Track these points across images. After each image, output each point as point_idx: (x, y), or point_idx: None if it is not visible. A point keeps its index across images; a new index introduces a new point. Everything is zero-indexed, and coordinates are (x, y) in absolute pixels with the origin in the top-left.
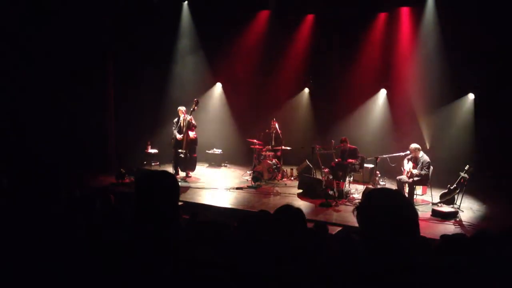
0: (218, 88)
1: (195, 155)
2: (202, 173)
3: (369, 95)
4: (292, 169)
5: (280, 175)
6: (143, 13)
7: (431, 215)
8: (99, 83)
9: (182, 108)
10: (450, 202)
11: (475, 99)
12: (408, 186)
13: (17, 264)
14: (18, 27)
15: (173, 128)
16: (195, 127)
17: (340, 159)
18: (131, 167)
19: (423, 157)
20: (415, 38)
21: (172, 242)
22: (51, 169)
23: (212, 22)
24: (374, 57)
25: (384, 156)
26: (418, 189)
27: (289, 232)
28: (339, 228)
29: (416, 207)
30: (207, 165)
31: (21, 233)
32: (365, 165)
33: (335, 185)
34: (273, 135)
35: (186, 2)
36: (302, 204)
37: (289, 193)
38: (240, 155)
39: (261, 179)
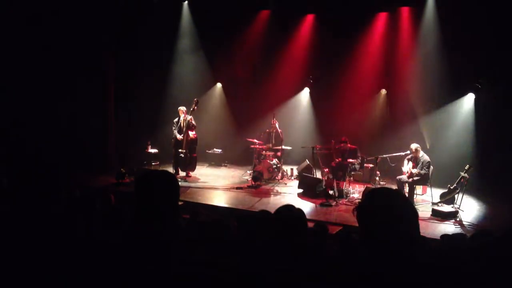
0: (218, 88)
1: (195, 155)
2: (202, 173)
3: (369, 95)
4: (292, 169)
5: (280, 174)
6: (143, 13)
7: (431, 215)
8: (99, 83)
9: (182, 108)
10: (450, 202)
11: (475, 99)
12: (408, 186)
13: (17, 264)
14: (18, 27)
15: (173, 128)
16: (195, 127)
17: (340, 159)
18: (131, 167)
19: (423, 156)
20: (415, 38)
21: (172, 242)
22: (51, 169)
23: (212, 22)
24: (374, 57)
25: (384, 156)
26: (418, 189)
27: (289, 232)
28: (339, 228)
29: (416, 206)
30: (207, 165)
31: (21, 233)
32: (365, 165)
33: (335, 185)
34: (273, 134)
35: (186, 2)
36: (302, 204)
37: (289, 193)
38: (240, 155)
39: (261, 179)
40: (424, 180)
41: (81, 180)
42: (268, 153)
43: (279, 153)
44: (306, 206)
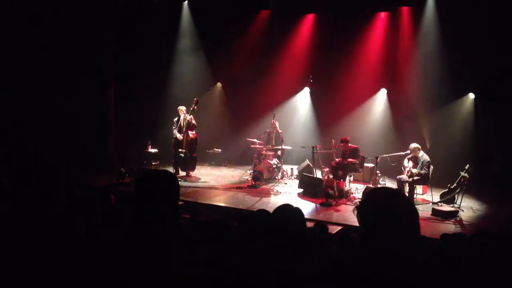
0: (218, 87)
1: (195, 154)
2: (202, 173)
3: (369, 95)
4: (292, 169)
5: (280, 174)
6: (143, 13)
7: (431, 215)
8: (99, 83)
9: (182, 108)
10: (450, 201)
11: (475, 98)
12: (408, 186)
13: (17, 264)
14: (18, 27)
15: (173, 127)
16: (195, 126)
17: (341, 159)
18: (131, 166)
19: (423, 156)
20: (415, 38)
21: (172, 242)
22: (51, 169)
23: (212, 22)
24: (374, 57)
25: (384, 155)
26: (418, 189)
27: (288, 232)
28: (339, 228)
29: (416, 206)
30: (207, 164)
31: (21, 233)
32: (365, 164)
33: (335, 185)
34: (273, 134)
35: (186, 1)
36: (302, 204)
37: (289, 193)
38: (240, 155)
39: (261, 179)
40: (424, 179)
41: (81, 180)
42: (268, 153)
43: (279, 153)
44: (306, 206)
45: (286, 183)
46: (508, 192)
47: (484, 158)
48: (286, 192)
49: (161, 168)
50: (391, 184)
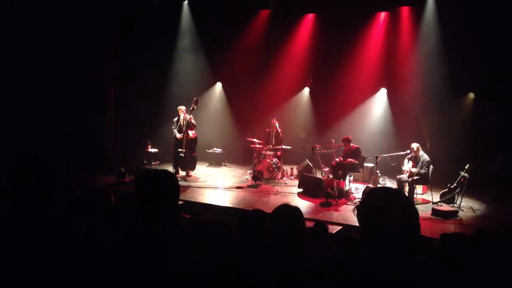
0: (218, 87)
1: (195, 154)
2: (202, 173)
3: (369, 94)
4: (292, 168)
5: (280, 174)
6: (143, 13)
7: (431, 214)
8: (99, 83)
9: (182, 108)
10: (450, 201)
11: (475, 98)
12: (408, 185)
13: (17, 265)
14: (18, 26)
15: (173, 127)
16: (195, 126)
17: (341, 158)
18: (131, 166)
19: (423, 156)
20: (415, 38)
21: (172, 242)
22: (51, 169)
23: (212, 21)
24: (374, 56)
25: (384, 155)
26: (418, 188)
27: (287, 232)
28: (339, 228)
29: (416, 206)
30: (207, 164)
31: (21, 233)
32: (365, 164)
33: (335, 184)
34: (273, 133)
35: (186, 1)
36: (302, 204)
37: (289, 192)
38: (240, 154)
39: (261, 178)
40: (424, 179)
41: (81, 180)
42: (268, 152)
43: (279, 153)
44: (306, 206)
45: (286, 183)
46: (508, 192)
47: (484, 158)
48: (286, 192)
49: (161, 168)
50: (391, 184)
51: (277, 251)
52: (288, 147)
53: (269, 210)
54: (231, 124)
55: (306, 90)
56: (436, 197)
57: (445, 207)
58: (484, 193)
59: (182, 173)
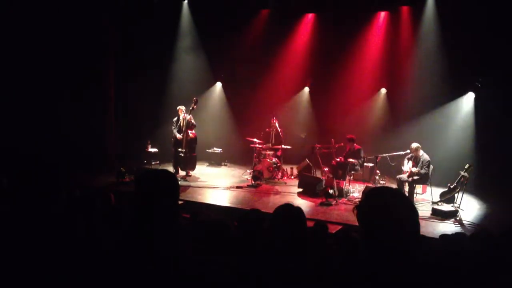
0: (218, 87)
1: (195, 154)
2: (202, 172)
3: (369, 94)
4: (292, 168)
5: (280, 174)
6: (143, 12)
7: (431, 214)
8: (99, 83)
9: (181, 107)
10: (450, 201)
11: (475, 98)
12: (408, 185)
13: (17, 265)
14: (18, 27)
15: (173, 127)
16: (195, 126)
17: (342, 158)
18: (131, 166)
19: (423, 156)
20: (415, 37)
21: (172, 241)
22: (51, 169)
23: (212, 21)
24: (374, 56)
25: (384, 155)
26: (418, 188)
27: (289, 232)
28: (339, 227)
29: (416, 206)
30: (207, 164)
31: (21, 233)
32: (365, 164)
33: (335, 184)
34: (273, 133)
35: (186, 1)
36: (302, 203)
37: (289, 192)
38: (240, 154)
39: (261, 178)
40: (424, 179)
41: (81, 180)
42: (268, 152)
43: (279, 152)
44: (306, 205)
45: (286, 183)
46: (508, 192)
47: (484, 158)
48: (286, 192)
49: (161, 168)
50: (390, 183)
51: (278, 251)
52: (288, 147)
53: (269, 210)
54: (231, 124)
55: (306, 90)
56: (436, 197)
57: (445, 206)
58: (484, 193)
59: (182, 173)
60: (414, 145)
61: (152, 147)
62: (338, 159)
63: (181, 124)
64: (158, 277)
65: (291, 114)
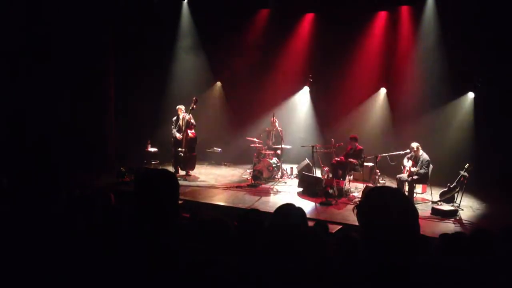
0: (217, 86)
1: (195, 153)
2: (202, 172)
3: (369, 94)
4: (292, 168)
5: (280, 173)
6: (143, 12)
7: (431, 214)
8: (99, 83)
9: (181, 107)
10: (450, 200)
11: (474, 98)
12: (408, 185)
13: (17, 264)
14: (18, 27)
15: (172, 127)
16: (195, 126)
17: (342, 158)
18: (131, 166)
19: (423, 155)
20: (415, 37)
21: (172, 241)
22: (51, 169)
23: (211, 21)
24: (374, 56)
25: (384, 154)
26: (418, 188)
27: (290, 231)
28: (339, 227)
29: (416, 205)
30: (207, 163)
31: (21, 233)
32: (365, 163)
33: (335, 184)
34: (273, 133)
35: (185, 1)
36: (302, 203)
37: (289, 192)
38: (240, 154)
39: (261, 178)
40: (423, 179)
41: (81, 180)
42: (268, 152)
43: (279, 152)
44: (306, 205)
45: (285, 182)
46: (508, 192)
47: (483, 158)
48: (286, 191)
49: (160, 167)
50: (390, 183)
51: (278, 251)
52: (288, 147)
53: (269, 209)
54: (230, 123)
55: (306, 90)
56: (436, 196)
57: (444, 206)
58: (484, 192)
59: (182, 172)
60: (414, 144)
61: (152, 147)
62: (338, 159)
63: (181, 124)
64: (158, 277)
65: (291, 114)
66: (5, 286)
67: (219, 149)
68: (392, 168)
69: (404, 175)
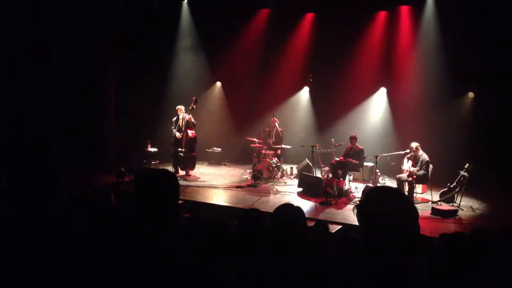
0: (217, 86)
1: (195, 153)
2: (201, 172)
3: (369, 94)
4: (292, 168)
5: (280, 173)
6: (143, 12)
7: (431, 214)
8: (99, 83)
9: (181, 107)
10: (450, 200)
11: (474, 97)
12: (408, 185)
13: (17, 265)
14: (18, 27)
15: (172, 127)
16: (194, 125)
17: (342, 158)
18: (131, 166)
19: (423, 155)
20: (415, 37)
21: (172, 241)
22: (51, 169)
23: (211, 21)
24: (374, 56)
25: (384, 154)
26: (418, 188)
27: (289, 231)
28: (339, 227)
29: (416, 205)
30: (207, 163)
31: (21, 233)
32: (365, 163)
33: (335, 184)
34: (273, 133)
35: (185, 1)
36: (302, 203)
37: (289, 192)
38: (239, 154)
39: (261, 178)
40: (424, 179)
41: (81, 180)
42: (267, 152)
43: (279, 152)
44: (306, 205)
45: (285, 182)
46: (508, 192)
47: (483, 158)
48: (286, 191)
49: (160, 167)
50: (390, 183)
51: (278, 251)
52: (288, 147)
53: (269, 209)
54: (230, 123)
55: (306, 90)
56: (436, 196)
57: (444, 206)
58: (484, 192)
59: (181, 172)
60: (414, 144)
61: (152, 147)
62: (338, 159)
63: (181, 124)
64: (158, 277)
65: (290, 114)
66: (5, 286)
67: (219, 149)
68: (392, 168)
69: (404, 175)
